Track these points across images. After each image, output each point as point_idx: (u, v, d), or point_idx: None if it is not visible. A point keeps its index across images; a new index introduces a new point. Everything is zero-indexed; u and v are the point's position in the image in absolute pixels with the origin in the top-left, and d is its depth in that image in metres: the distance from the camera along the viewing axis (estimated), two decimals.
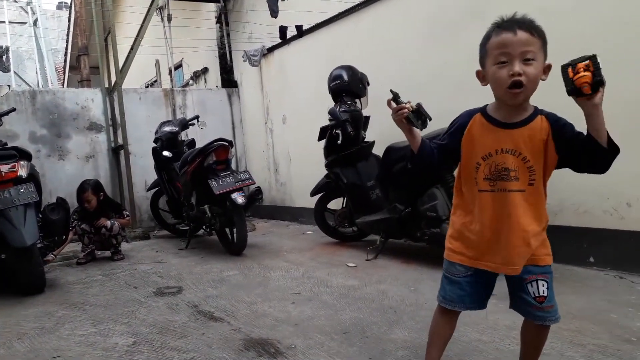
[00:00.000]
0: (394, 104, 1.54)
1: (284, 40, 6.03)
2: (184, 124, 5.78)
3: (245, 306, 2.88)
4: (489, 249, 1.51)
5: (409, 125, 1.53)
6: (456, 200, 1.62)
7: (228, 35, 7.50)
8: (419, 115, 1.52)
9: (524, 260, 1.47)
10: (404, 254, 3.92)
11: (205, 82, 8.43)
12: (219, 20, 7.57)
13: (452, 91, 3.95)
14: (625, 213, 3.05)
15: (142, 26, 6.38)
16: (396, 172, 3.71)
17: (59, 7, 21.62)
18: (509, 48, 1.36)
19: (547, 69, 1.42)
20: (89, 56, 9.70)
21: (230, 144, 4.69)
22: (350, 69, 4.39)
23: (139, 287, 3.56)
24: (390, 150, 3.82)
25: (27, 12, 15.34)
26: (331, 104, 4.42)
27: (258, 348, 2.22)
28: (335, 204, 4.70)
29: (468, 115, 1.55)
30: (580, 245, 3.27)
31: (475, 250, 1.54)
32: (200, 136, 6.19)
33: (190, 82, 8.92)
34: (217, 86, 7.74)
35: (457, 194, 1.61)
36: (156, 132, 5.70)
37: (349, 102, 4.27)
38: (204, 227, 5.00)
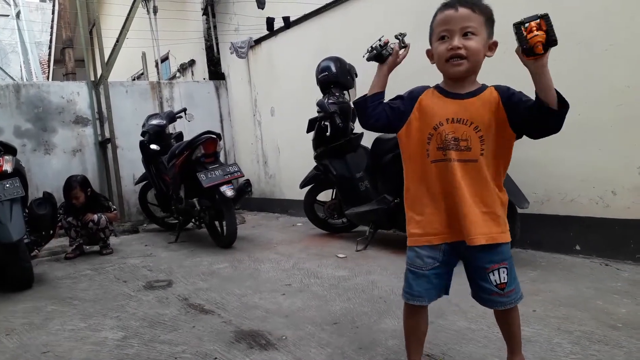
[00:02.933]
0: (401, 51, 1.55)
1: (271, 31, 6.00)
2: (172, 117, 5.73)
3: (236, 298, 2.88)
4: (449, 219, 1.50)
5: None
6: (407, 183, 1.60)
7: (215, 27, 7.44)
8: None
9: (481, 230, 1.45)
10: (393, 245, 3.94)
11: (193, 74, 8.36)
12: (205, 12, 7.49)
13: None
14: (611, 201, 3.09)
15: (127, 18, 6.28)
16: (385, 164, 3.71)
17: None
18: (450, 24, 1.41)
19: (493, 45, 1.47)
20: (74, 49, 9.57)
21: (219, 136, 4.66)
22: (338, 61, 4.38)
23: (128, 281, 3.54)
24: (378, 141, 3.83)
25: (9, 5, 15.05)
26: (320, 95, 4.42)
27: (249, 340, 2.23)
28: (325, 195, 4.71)
29: (422, 87, 1.57)
30: (567, 233, 3.31)
31: (438, 225, 1.52)
32: (188, 129, 6.15)
33: (177, 74, 8.84)
34: (204, 78, 7.68)
35: (407, 176, 1.60)
36: (143, 126, 5.64)
37: (337, 94, 4.26)
38: (193, 220, 4.98)
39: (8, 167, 3.52)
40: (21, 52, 13.59)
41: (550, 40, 1.20)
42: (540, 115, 1.33)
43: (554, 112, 1.30)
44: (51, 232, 4.10)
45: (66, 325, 2.66)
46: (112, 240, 4.95)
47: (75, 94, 6.46)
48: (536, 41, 1.20)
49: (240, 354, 2.08)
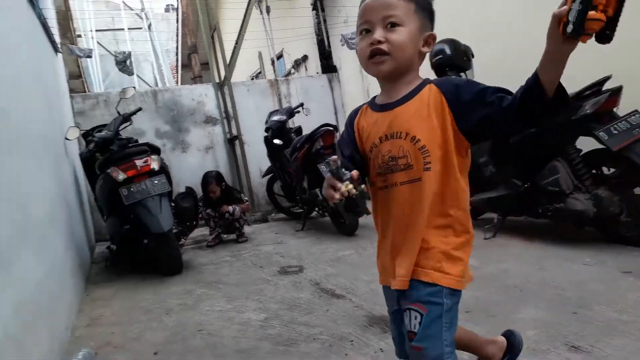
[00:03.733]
0: (330, 178, 1.10)
1: None
2: (291, 112, 6.02)
3: (364, 284, 2.98)
4: (391, 259, 1.25)
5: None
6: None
7: (325, 21, 7.59)
8: (352, 206, 1.35)
9: (406, 270, 1.19)
10: (525, 232, 3.75)
11: (306, 69, 8.64)
12: (314, 7, 7.68)
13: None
14: None
15: (243, 20, 6.69)
16: (512, 146, 3.55)
17: (167, 9, 23.30)
18: (370, 14, 1.17)
19: (429, 38, 1.20)
20: (199, 54, 10.40)
21: (335, 128, 4.81)
22: (452, 42, 4.24)
23: (264, 266, 3.83)
24: None
25: (141, 18, 16.74)
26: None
27: (382, 324, 2.30)
28: None
29: (358, 107, 1.37)
30: None
31: (381, 265, 1.31)
32: (306, 123, 6.40)
33: (292, 70, 9.19)
34: (317, 73, 7.90)
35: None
36: (266, 122, 6.00)
37: (453, 77, 4.14)
38: (316, 209, 5.20)
39: (155, 165, 3.99)
40: (154, 60, 15.12)
41: (605, 34, 0.89)
42: (530, 104, 1.02)
43: (548, 104, 1.01)
44: (194, 222, 4.58)
45: (215, 307, 2.97)
46: (246, 229, 5.35)
47: (204, 96, 7.05)
48: (593, 28, 0.88)
49: (374, 338, 2.16)
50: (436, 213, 1.18)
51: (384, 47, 1.15)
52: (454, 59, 4.17)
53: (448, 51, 4.19)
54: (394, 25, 1.15)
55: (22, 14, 3.23)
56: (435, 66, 4.25)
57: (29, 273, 1.99)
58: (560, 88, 0.99)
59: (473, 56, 4.26)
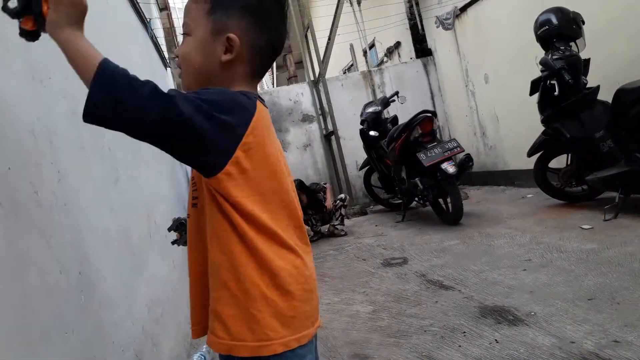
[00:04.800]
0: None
1: None
2: (386, 102, 5.97)
3: (474, 275, 2.88)
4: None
5: None
6: None
7: (417, 4, 7.40)
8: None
9: (207, 318, 0.95)
10: None
11: (399, 56, 8.50)
12: None
13: None
14: None
15: (335, 15, 6.74)
16: (633, 117, 3.21)
17: None
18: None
19: (228, 41, 0.92)
20: (293, 53, 10.69)
21: (434, 114, 4.68)
22: (559, 11, 3.92)
23: (367, 259, 3.86)
24: (621, 92, 3.33)
25: None
26: (539, 53, 4.03)
27: (495, 315, 2.22)
28: (557, 162, 4.29)
29: None
30: None
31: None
32: (401, 111, 6.31)
33: (385, 59, 9.09)
34: (411, 58, 7.74)
35: None
36: (361, 115, 6.02)
37: (562, 48, 3.82)
38: (416, 199, 5.11)
39: None
40: None
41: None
42: None
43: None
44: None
45: (323, 299, 3.05)
46: (345, 222, 5.40)
47: (300, 95, 7.24)
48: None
49: (488, 329, 2.09)
50: (207, 254, 0.96)
51: (178, 62, 0.99)
52: (562, 28, 3.87)
53: (555, 20, 3.89)
54: (186, 36, 0.98)
55: (138, 35, 3.57)
56: (542, 38, 3.99)
57: (157, 272, 2.20)
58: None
59: (584, 23, 3.91)
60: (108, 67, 0.77)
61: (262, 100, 0.95)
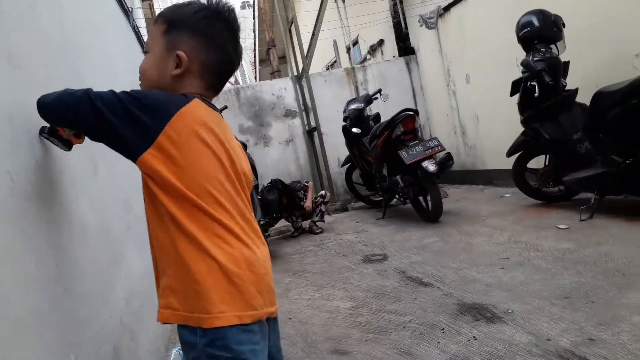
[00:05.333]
0: None
1: None
2: (369, 100, 5.98)
3: (452, 272, 2.91)
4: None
5: None
6: None
7: (401, 2, 7.43)
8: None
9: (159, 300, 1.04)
10: (626, 212, 3.46)
11: (382, 54, 8.52)
12: None
13: None
14: None
15: (320, 11, 6.72)
16: (610, 120, 3.27)
17: (243, 6, 24.03)
18: None
19: (177, 57, 1.05)
20: (276, 48, 10.62)
21: (416, 112, 4.71)
22: (541, 13, 3.98)
23: (347, 255, 3.87)
24: (600, 95, 3.39)
25: None
26: (520, 55, 4.09)
27: (473, 312, 2.24)
28: (536, 162, 4.36)
29: None
30: None
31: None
32: (384, 109, 6.33)
33: (368, 56, 9.10)
34: (394, 56, 7.77)
35: None
36: (344, 111, 6.01)
37: (543, 50, 3.89)
38: (397, 196, 5.14)
39: None
40: None
41: None
42: None
43: None
44: (279, 214, 4.73)
45: (303, 295, 3.05)
46: (326, 218, 5.40)
47: (283, 90, 7.20)
48: None
49: (467, 326, 2.11)
50: (155, 243, 1.09)
51: (139, 77, 1.13)
52: (543, 30, 3.93)
53: (536, 22, 3.95)
54: (145, 54, 1.12)
55: (120, 25, 3.49)
56: (523, 40, 4.05)
57: (135, 265, 2.16)
58: None
59: (564, 26, 3.98)
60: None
61: (205, 101, 1.07)
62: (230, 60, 1.13)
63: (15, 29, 0.81)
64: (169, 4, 1.18)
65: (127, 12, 3.99)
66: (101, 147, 1.91)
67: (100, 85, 1.12)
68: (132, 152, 0.98)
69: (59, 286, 1.19)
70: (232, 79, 16.01)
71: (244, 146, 4.44)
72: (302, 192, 5.12)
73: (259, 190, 4.55)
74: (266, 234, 4.44)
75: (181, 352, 2.16)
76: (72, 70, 1.73)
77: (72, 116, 1.02)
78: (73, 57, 1.76)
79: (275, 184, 4.64)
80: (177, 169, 0.97)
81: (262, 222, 4.21)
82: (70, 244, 1.34)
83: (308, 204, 5.03)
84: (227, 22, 1.11)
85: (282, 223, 5.51)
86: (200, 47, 1.07)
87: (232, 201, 1.04)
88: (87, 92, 0.98)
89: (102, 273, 1.59)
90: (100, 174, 1.81)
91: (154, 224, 1.04)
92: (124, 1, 3.83)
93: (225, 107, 5.21)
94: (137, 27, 4.54)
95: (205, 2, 1.10)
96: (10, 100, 1.12)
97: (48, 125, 1.14)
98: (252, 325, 0.99)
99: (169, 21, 1.08)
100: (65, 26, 1.74)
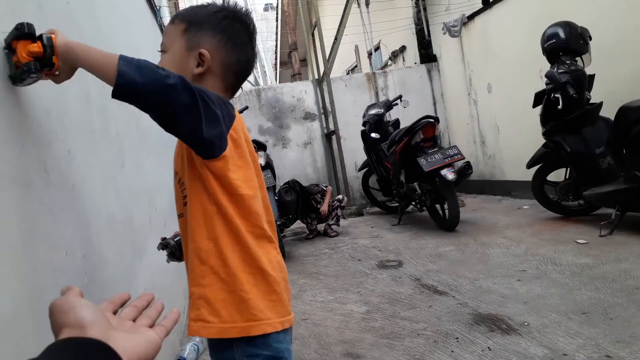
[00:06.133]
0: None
1: (486, 4, 5.71)
2: (389, 105, 5.99)
3: (468, 282, 2.90)
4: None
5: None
6: None
7: (425, 9, 7.42)
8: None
9: (190, 313, 1.01)
10: None
11: (404, 60, 8.51)
12: None
13: None
14: None
15: (343, 15, 6.75)
16: (634, 136, 3.23)
17: (265, 8, 24.17)
18: None
19: (200, 56, 1.02)
20: (298, 51, 10.67)
21: (437, 120, 4.69)
22: (567, 25, 3.95)
23: (362, 259, 3.87)
24: (624, 110, 3.34)
25: None
26: (544, 66, 4.07)
27: (488, 323, 2.23)
28: (556, 175, 4.32)
29: None
30: None
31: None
32: (403, 115, 6.33)
33: (389, 62, 9.10)
34: (415, 63, 7.75)
35: None
36: (364, 116, 6.03)
37: (568, 62, 3.85)
38: (413, 203, 5.13)
39: (262, 161, 4.19)
40: (257, 59, 15.86)
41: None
42: None
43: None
44: (295, 215, 4.75)
45: (317, 297, 3.06)
46: (341, 222, 5.40)
47: (303, 92, 7.24)
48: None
49: (481, 336, 2.10)
50: (196, 251, 1.00)
51: None
52: (569, 43, 3.90)
53: (562, 34, 3.92)
54: (162, 53, 1.08)
55: (147, 23, 3.56)
56: (548, 51, 4.02)
57: (155, 259, 2.20)
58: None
59: (591, 39, 3.94)
60: (127, 57, 0.86)
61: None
62: (249, 61, 1.12)
63: (53, 22, 0.84)
64: (193, 4, 1.18)
65: (155, 10, 4.07)
66: (129, 140, 1.96)
67: None
68: (218, 147, 0.94)
69: (84, 276, 1.22)
70: (252, 79, 16.16)
71: (264, 147, 4.47)
72: (319, 195, 5.13)
73: (276, 190, 4.58)
74: (281, 234, 4.46)
75: (196, 346, 2.19)
76: None
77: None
78: (103, 48, 1.81)
79: (293, 185, 4.66)
80: (237, 169, 0.98)
81: (278, 223, 4.23)
82: (98, 236, 1.38)
83: (324, 208, 5.04)
84: (245, 24, 1.10)
85: (298, 224, 5.53)
86: (221, 46, 1.05)
87: (269, 209, 1.06)
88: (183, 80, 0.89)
89: (125, 265, 1.63)
90: (127, 167, 1.85)
91: (197, 227, 0.98)
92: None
93: (246, 108, 5.25)
94: (164, 25, 4.61)
95: (223, 4, 1.10)
96: (46, 94, 1.16)
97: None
98: (289, 329, 1.02)
99: (189, 20, 1.06)
100: (98, 19, 1.79)
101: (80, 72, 1.42)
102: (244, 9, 1.11)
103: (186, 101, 0.86)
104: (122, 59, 0.84)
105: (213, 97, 0.93)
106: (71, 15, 1.44)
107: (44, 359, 0.44)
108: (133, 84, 0.83)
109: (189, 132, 0.90)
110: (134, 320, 0.61)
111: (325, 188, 5.23)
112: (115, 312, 0.63)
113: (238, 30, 1.08)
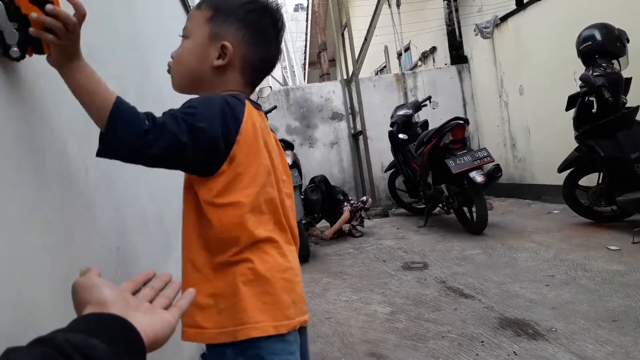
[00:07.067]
0: None
1: (520, 6, 5.61)
2: (417, 106, 5.95)
3: (495, 285, 2.86)
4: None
5: None
6: None
7: (456, 10, 7.34)
8: None
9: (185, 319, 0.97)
10: None
11: (434, 61, 8.43)
12: None
13: None
14: None
15: (373, 16, 6.74)
16: None
17: (296, 9, 24.30)
18: None
19: (222, 48, 0.98)
20: (327, 51, 10.70)
21: (466, 122, 4.64)
22: (604, 27, 3.85)
23: (387, 260, 3.86)
24: None
25: None
26: (578, 69, 3.98)
27: (515, 328, 2.21)
28: (587, 180, 4.22)
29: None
30: None
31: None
32: (432, 116, 6.28)
33: (419, 63, 9.04)
34: (445, 64, 7.67)
35: None
36: (392, 117, 6.01)
37: (604, 65, 3.76)
38: (440, 205, 5.09)
39: (289, 160, 4.23)
40: (287, 59, 15.93)
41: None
42: None
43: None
44: (321, 214, 4.77)
45: (341, 296, 3.07)
46: (366, 222, 5.40)
47: (332, 93, 7.26)
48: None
49: (507, 341, 2.08)
50: (195, 250, 0.99)
51: (169, 63, 1.05)
52: (606, 45, 3.80)
53: (599, 37, 3.83)
54: (184, 38, 1.03)
55: (181, 21, 3.64)
56: (584, 54, 3.93)
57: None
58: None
59: (628, 41, 3.84)
60: (118, 109, 0.86)
61: (251, 101, 1.00)
62: (273, 57, 1.07)
63: (91, 30, 0.87)
64: None
65: (188, 10, 4.15)
66: None
67: (165, 75, 1.17)
68: (210, 170, 0.93)
69: (118, 269, 1.27)
70: (280, 79, 16.27)
71: (291, 146, 4.51)
72: (340, 205, 5.07)
73: (302, 189, 4.61)
74: (307, 233, 4.49)
75: None
76: (140, 60, 1.83)
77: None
78: (140, 48, 1.87)
79: (319, 183, 4.68)
80: (237, 177, 0.94)
81: (303, 222, 4.26)
82: (132, 230, 1.43)
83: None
84: (274, 19, 1.04)
85: (323, 223, 5.56)
86: (246, 40, 1.00)
87: (277, 209, 1.01)
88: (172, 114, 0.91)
89: (155, 259, 1.68)
90: None
91: (190, 234, 0.98)
92: (188, 2, 3.98)
93: (275, 107, 5.31)
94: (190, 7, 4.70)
95: None
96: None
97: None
98: (288, 336, 0.94)
99: (216, 8, 1.00)
100: (135, 20, 1.85)
101: (115, 68, 1.47)
102: (274, 3, 1.06)
103: (163, 148, 0.87)
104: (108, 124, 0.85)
105: (205, 117, 0.88)
106: (111, 16, 1.49)
107: (71, 331, 0.47)
108: (113, 154, 0.90)
109: (184, 168, 0.95)
110: (151, 301, 0.64)
111: (344, 206, 5.07)
112: (135, 292, 0.66)
113: (265, 25, 1.03)
